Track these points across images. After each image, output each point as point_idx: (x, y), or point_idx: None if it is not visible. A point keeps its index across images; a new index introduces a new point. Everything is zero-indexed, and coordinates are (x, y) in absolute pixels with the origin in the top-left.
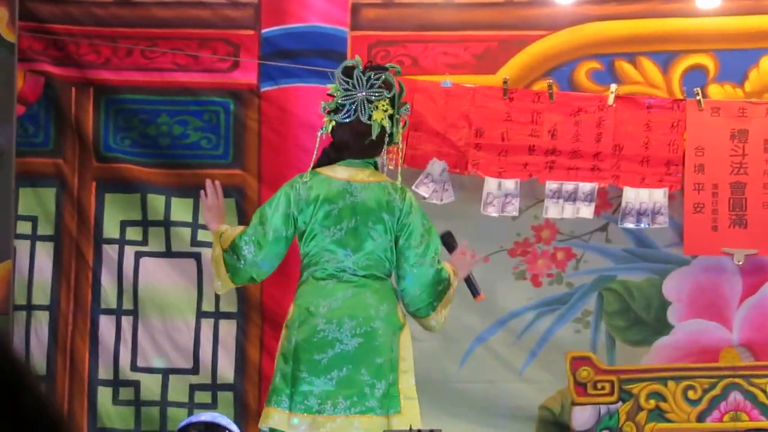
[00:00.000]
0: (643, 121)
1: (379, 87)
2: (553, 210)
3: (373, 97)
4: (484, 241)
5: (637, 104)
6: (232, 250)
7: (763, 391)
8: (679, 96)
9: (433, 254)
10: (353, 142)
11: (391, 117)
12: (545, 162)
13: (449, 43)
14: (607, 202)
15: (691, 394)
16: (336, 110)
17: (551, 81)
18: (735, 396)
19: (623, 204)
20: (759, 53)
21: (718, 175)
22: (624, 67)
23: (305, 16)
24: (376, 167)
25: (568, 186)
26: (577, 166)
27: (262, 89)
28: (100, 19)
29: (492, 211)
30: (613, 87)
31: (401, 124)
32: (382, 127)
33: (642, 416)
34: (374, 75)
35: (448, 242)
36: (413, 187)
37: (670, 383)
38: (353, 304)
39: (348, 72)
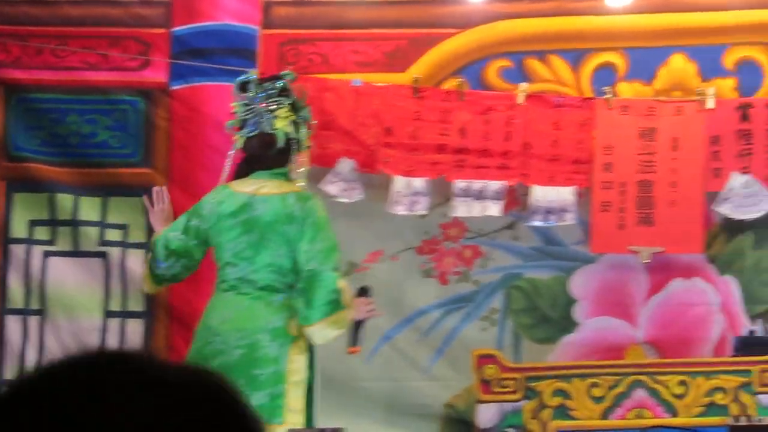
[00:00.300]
0: (552, 120)
1: (277, 96)
2: (461, 208)
3: (273, 107)
4: (392, 239)
5: (546, 103)
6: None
7: (667, 388)
8: (589, 94)
9: (326, 259)
10: (261, 154)
11: (294, 123)
12: (454, 161)
13: (359, 41)
14: (516, 200)
15: (595, 391)
16: (241, 126)
17: (461, 79)
18: (639, 393)
19: (531, 202)
20: (668, 51)
21: (626, 173)
22: (534, 65)
23: (216, 15)
24: (286, 176)
25: (477, 184)
26: (486, 164)
27: (173, 88)
28: (11, 17)
29: (401, 210)
30: (523, 85)
31: (306, 129)
32: (287, 134)
33: (547, 413)
34: (269, 85)
35: (361, 295)
36: (321, 186)
37: (576, 381)
38: (244, 315)
39: (243, 87)
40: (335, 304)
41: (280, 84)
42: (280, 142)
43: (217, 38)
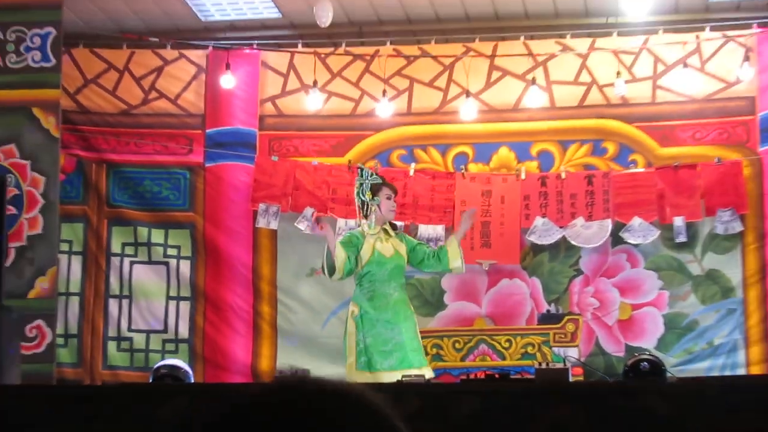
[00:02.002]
0: (430, 185)
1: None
2: None
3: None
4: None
5: (426, 175)
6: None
7: (500, 343)
8: (452, 170)
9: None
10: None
11: (357, 194)
12: None
13: (317, 138)
14: (410, 233)
15: (457, 345)
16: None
17: (376, 161)
18: (482, 347)
19: (419, 234)
20: (498, 145)
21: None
22: (419, 153)
23: (232, 122)
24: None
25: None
26: None
27: (206, 165)
28: (111, 123)
29: (341, 238)
30: (413, 165)
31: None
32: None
33: (429, 358)
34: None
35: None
36: (296, 223)
37: (445, 339)
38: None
39: (361, 173)
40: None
41: (366, 173)
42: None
43: (232, 136)
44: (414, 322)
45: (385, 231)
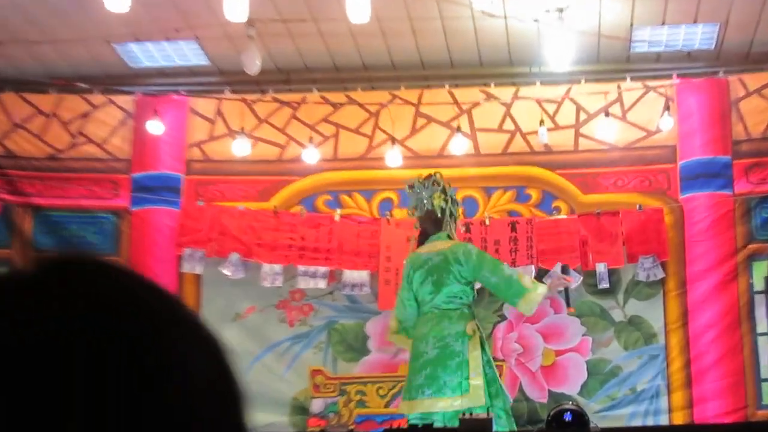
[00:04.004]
0: (355, 231)
1: (431, 186)
2: (302, 282)
3: (430, 193)
4: (261, 299)
5: (352, 221)
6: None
7: None
8: (377, 216)
9: (501, 270)
10: (428, 227)
11: (444, 200)
12: (298, 254)
13: (243, 183)
14: (335, 278)
15: (381, 391)
16: (413, 212)
17: (302, 206)
18: None
19: (343, 279)
20: None
21: (398, 262)
22: (345, 198)
23: (158, 167)
24: (448, 237)
25: (312, 268)
26: (317, 257)
27: (132, 209)
28: (37, 167)
29: (266, 284)
30: (338, 211)
31: (454, 203)
32: (441, 208)
33: (352, 405)
34: (426, 181)
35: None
36: (220, 268)
37: (369, 385)
38: (437, 326)
39: (411, 187)
40: (519, 287)
41: (432, 178)
42: (438, 213)
43: (158, 180)
44: None
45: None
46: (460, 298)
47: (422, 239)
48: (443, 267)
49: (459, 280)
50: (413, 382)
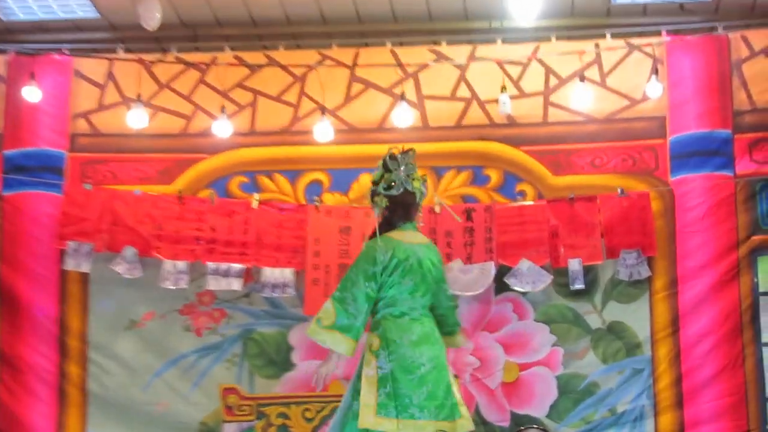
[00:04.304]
0: (277, 220)
1: (413, 163)
2: (212, 283)
3: (410, 173)
4: (161, 303)
5: (273, 208)
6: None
7: None
8: (303, 202)
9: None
10: (407, 209)
11: (423, 185)
12: (207, 249)
13: (139, 162)
14: (251, 277)
15: (307, 414)
16: (387, 188)
17: (212, 190)
18: None
19: (262, 279)
20: (359, 171)
21: (329, 258)
22: (264, 180)
23: (36, 142)
24: (416, 227)
25: (224, 266)
26: (230, 252)
27: (4, 194)
28: None
29: (168, 284)
30: (256, 195)
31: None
32: (421, 192)
33: (273, 430)
34: (405, 157)
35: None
36: (111, 266)
37: (293, 406)
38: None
39: (393, 158)
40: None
41: (411, 154)
42: (417, 197)
43: (36, 159)
44: None
45: None
46: (429, 306)
47: (386, 228)
48: (428, 266)
49: (433, 286)
50: (411, 399)
